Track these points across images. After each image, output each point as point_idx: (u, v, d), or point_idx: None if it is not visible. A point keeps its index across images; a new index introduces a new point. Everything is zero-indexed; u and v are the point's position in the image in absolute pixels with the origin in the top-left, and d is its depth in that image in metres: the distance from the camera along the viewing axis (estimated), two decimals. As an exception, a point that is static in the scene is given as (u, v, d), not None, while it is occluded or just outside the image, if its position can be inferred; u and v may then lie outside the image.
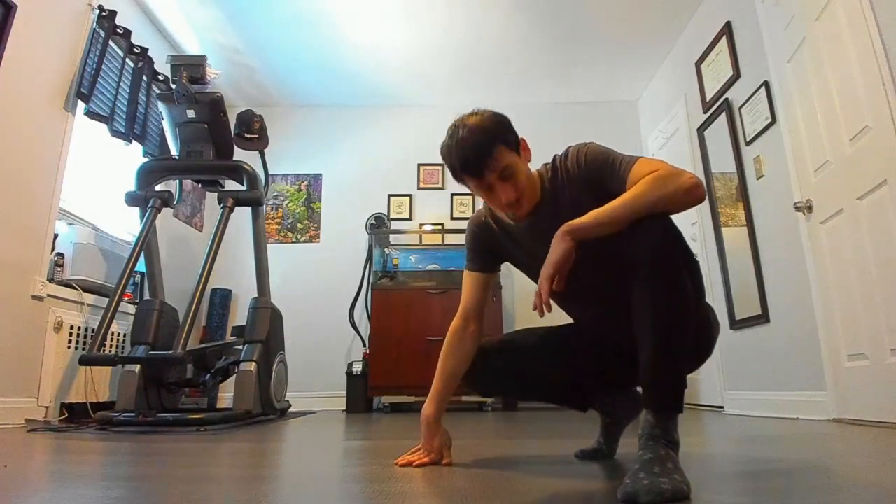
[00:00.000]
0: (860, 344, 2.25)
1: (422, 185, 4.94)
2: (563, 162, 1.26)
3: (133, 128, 3.45)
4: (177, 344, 2.57)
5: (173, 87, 3.02)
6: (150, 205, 2.96)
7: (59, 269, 2.90)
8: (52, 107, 2.90)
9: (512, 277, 4.58)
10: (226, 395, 4.12)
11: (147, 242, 2.94)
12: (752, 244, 3.10)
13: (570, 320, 1.46)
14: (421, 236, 4.76)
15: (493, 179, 1.19)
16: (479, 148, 1.17)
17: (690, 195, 1.05)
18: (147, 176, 3.07)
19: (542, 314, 1.06)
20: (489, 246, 1.39)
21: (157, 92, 3.32)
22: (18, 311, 2.61)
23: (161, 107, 3.16)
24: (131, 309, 3.23)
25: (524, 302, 4.51)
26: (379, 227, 4.73)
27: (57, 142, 2.93)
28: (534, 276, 1.36)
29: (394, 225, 4.83)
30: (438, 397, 1.37)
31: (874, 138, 2.13)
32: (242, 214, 3.32)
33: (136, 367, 2.73)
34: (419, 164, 4.96)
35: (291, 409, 3.61)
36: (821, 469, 1.25)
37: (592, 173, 1.19)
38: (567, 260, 1.04)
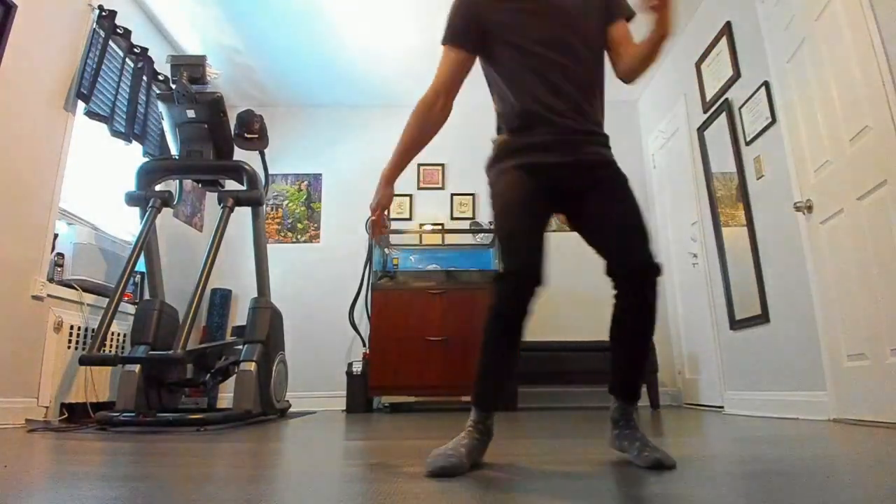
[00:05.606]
0: (860, 344, 2.25)
1: (422, 185, 4.94)
2: None
3: (133, 128, 3.45)
4: (177, 344, 2.58)
5: (173, 87, 3.02)
6: (150, 205, 2.96)
7: (59, 269, 2.90)
8: (52, 107, 2.90)
9: (512, 277, 4.57)
10: (226, 395, 4.12)
11: (147, 242, 2.94)
12: (752, 244, 3.10)
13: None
14: (421, 236, 4.75)
15: None
16: None
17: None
18: (147, 176, 3.07)
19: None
20: (475, 12, 1.37)
21: (157, 92, 3.32)
22: (18, 311, 2.61)
23: (161, 107, 3.16)
24: (131, 309, 3.23)
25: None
26: (379, 227, 4.72)
27: (57, 142, 2.93)
28: (522, 33, 1.36)
29: (394, 225, 4.82)
30: (399, 161, 1.44)
31: (874, 138, 2.13)
32: (242, 214, 3.32)
33: (136, 367, 2.73)
34: (419, 164, 4.95)
35: (291, 409, 3.61)
36: (821, 469, 1.25)
37: None
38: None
